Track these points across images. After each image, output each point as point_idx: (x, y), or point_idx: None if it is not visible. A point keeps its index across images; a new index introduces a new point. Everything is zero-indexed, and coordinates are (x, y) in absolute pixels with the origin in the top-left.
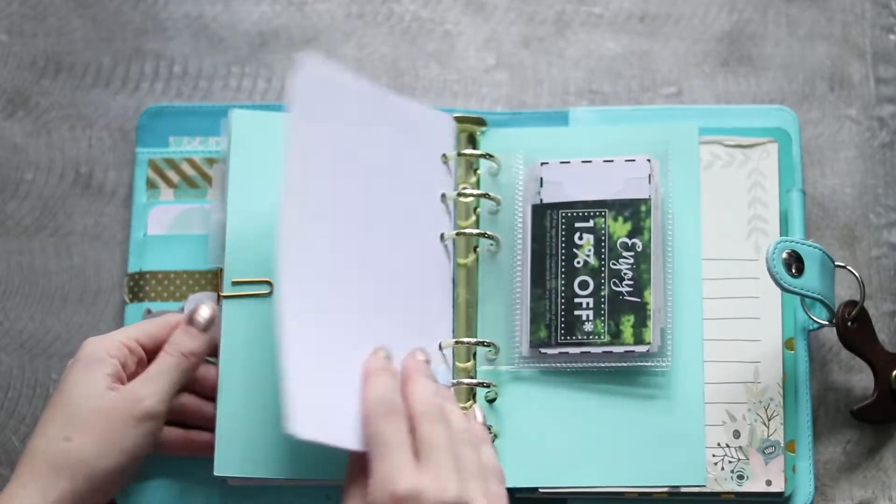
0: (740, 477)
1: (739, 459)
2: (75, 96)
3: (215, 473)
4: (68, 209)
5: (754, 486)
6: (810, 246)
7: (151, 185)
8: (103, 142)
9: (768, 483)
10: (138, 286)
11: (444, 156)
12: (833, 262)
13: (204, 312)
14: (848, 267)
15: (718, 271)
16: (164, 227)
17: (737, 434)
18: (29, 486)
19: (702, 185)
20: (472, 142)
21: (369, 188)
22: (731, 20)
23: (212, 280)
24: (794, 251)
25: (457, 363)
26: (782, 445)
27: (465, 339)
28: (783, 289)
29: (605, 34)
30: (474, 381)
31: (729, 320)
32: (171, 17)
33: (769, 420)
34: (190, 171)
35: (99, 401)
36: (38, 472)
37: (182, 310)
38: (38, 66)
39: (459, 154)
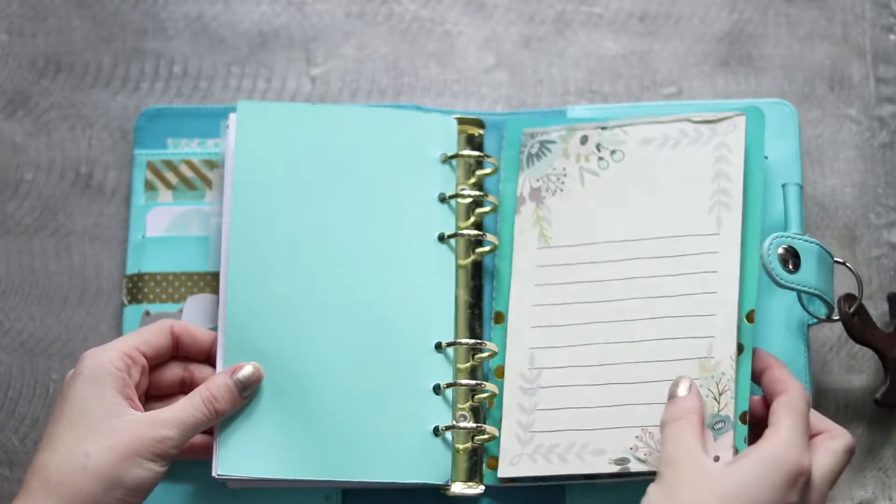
0: None
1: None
2: (75, 96)
3: (216, 474)
4: (68, 209)
5: None
6: (807, 241)
7: (150, 186)
8: (103, 142)
9: (716, 459)
10: (137, 288)
11: (442, 158)
12: (832, 257)
13: (245, 372)
14: (847, 263)
15: (676, 248)
16: (162, 228)
17: None
18: (42, 503)
19: (668, 163)
20: (472, 142)
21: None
22: (731, 20)
23: (211, 282)
24: (790, 247)
25: (457, 364)
26: (732, 420)
27: (463, 340)
28: (778, 285)
29: (605, 34)
30: (472, 381)
31: (684, 297)
32: (171, 17)
33: (720, 395)
34: (188, 173)
35: (118, 418)
36: (52, 489)
37: (181, 311)
38: (38, 66)
39: (455, 156)
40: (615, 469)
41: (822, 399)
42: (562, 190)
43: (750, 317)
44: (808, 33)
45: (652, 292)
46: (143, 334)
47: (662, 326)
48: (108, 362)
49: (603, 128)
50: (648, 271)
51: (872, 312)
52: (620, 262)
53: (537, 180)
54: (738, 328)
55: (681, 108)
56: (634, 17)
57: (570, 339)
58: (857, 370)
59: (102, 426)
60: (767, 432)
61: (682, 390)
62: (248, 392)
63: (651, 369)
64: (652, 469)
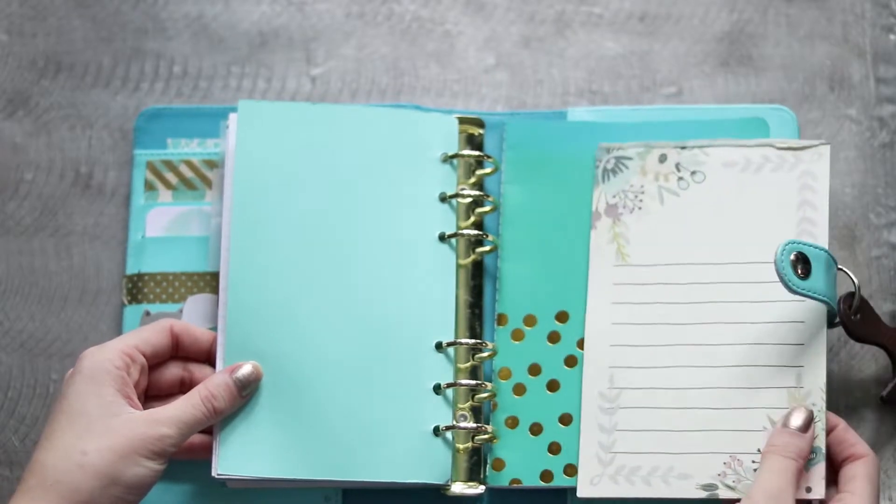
0: None
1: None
2: (75, 96)
3: (217, 474)
4: (68, 209)
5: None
6: (817, 248)
7: (149, 186)
8: (103, 142)
9: (808, 490)
10: (137, 288)
11: (443, 157)
12: (836, 264)
13: (244, 371)
14: (846, 270)
15: (761, 274)
16: (162, 229)
17: None
18: (39, 501)
19: (752, 187)
20: (472, 142)
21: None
22: (731, 20)
23: (210, 282)
24: (801, 253)
25: (457, 364)
26: (823, 451)
27: (463, 340)
28: (791, 291)
29: (605, 34)
30: (472, 381)
31: (771, 324)
32: (171, 17)
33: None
34: (188, 173)
35: (116, 417)
36: (49, 487)
37: (181, 311)
38: (38, 66)
39: (456, 155)
40: (703, 495)
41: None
42: (640, 208)
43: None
44: (808, 33)
45: (737, 318)
46: (143, 333)
47: (749, 353)
48: (107, 361)
49: (683, 147)
50: (733, 296)
51: None
52: (704, 286)
53: (613, 196)
54: (825, 359)
55: (680, 110)
56: (634, 17)
57: (652, 361)
58: (858, 370)
59: (100, 424)
60: (847, 498)
61: (797, 422)
62: (247, 391)
63: (738, 395)
64: (740, 496)
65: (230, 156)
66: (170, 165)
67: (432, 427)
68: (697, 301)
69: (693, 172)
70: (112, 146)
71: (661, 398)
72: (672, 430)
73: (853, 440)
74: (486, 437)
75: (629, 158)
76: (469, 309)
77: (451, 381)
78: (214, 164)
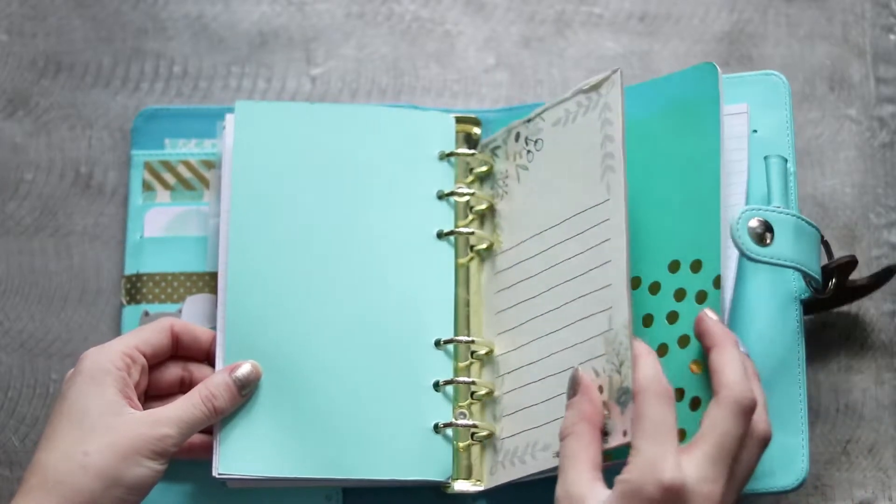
0: (605, 434)
1: (604, 416)
2: (75, 96)
3: (217, 473)
4: (68, 209)
5: (616, 439)
6: (782, 213)
7: (147, 187)
8: (103, 142)
9: (625, 434)
10: (135, 288)
11: (440, 155)
12: (818, 230)
13: (244, 370)
14: (823, 236)
15: (581, 225)
16: (160, 229)
17: (600, 390)
18: (41, 502)
19: (570, 139)
20: (470, 141)
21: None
22: (731, 20)
23: (209, 282)
24: (763, 220)
25: (457, 361)
26: (631, 392)
27: (461, 338)
28: (749, 258)
29: (605, 34)
30: (469, 379)
31: (581, 277)
32: (171, 17)
33: (620, 366)
34: (186, 174)
35: (117, 417)
36: (51, 488)
37: (179, 312)
38: (38, 66)
39: (451, 154)
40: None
41: (823, 399)
42: (507, 192)
43: (635, 283)
44: (808, 33)
45: (565, 276)
46: (143, 333)
47: (569, 310)
48: (107, 362)
49: (528, 120)
50: (563, 255)
51: (873, 313)
52: (545, 253)
53: (492, 188)
54: (627, 294)
55: None
56: (634, 17)
57: (517, 341)
58: (857, 370)
59: (102, 425)
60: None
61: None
62: (246, 390)
63: (570, 355)
64: None
65: (227, 156)
66: (167, 166)
67: (432, 424)
68: (541, 270)
69: (536, 142)
70: (112, 146)
71: (526, 375)
72: (533, 403)
73: (716, 366)
74: (483, 434)
75: (499, 147)
76: (468, 306)
77: (450, 377)
78: (212, 164)
